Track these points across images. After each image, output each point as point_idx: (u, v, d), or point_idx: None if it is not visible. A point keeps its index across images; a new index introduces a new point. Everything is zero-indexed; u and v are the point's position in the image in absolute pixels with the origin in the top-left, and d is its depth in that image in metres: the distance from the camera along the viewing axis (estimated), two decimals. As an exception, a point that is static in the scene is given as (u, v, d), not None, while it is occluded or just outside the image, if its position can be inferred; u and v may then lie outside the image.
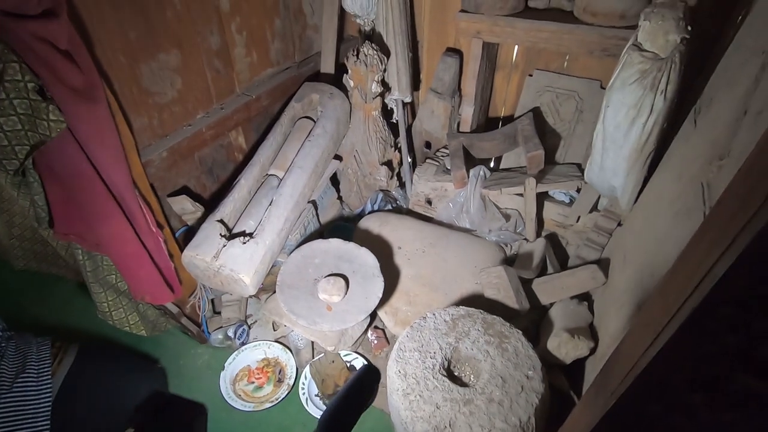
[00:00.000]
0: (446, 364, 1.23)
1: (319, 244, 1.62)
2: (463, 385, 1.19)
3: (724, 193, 0.47)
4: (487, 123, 2.10)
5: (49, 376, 1.12)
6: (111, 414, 1.14)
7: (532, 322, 1.53)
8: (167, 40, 1.34)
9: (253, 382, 1.52)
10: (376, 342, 1.60)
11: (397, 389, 1.17)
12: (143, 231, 1.19)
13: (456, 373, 1.25)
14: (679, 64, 1.08)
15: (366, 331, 1.65)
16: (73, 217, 1.09)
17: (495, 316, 1.32)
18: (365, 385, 0.62)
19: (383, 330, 1.66)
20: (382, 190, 2.11)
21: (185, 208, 1.50)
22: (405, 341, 1.27)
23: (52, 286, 1.85)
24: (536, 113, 1.87)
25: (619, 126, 1.23)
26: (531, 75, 1.90)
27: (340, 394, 0.60)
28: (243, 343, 1.62)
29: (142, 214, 1.18)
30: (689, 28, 1.04)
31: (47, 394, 1.09)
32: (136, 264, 1.19)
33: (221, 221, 1.44)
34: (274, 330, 1.67)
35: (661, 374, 0.52)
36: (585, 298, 1.53)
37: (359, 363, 1.55)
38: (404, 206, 2.13)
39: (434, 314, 1.34)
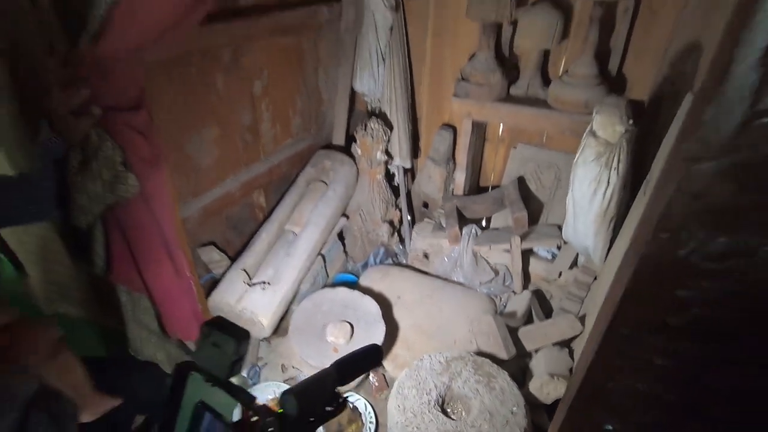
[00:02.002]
0: (440, 400, 1.38)
1: (327, 293, 1.81)
2: (456, 419, 1.33)
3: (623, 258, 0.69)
4: (478, 188, 2.37)
5: None
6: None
7: (519, 368, 1.68)
8: (210, 118, 1.63)
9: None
10: (377, 384, 1.74)
11: (397, 422, 1.31)
12: (181, 276, 1.38)
13: (449, 409, 1.39)
14: (627, 148, 1.34)
15: (368, 374, 1.78)
16: (127, 262, 1.29)
17: (484, 358, 1.49)
18: (371, 352, 0.79)
19: (384, 374, 1.80)
20: (384, 246, 2.33)
21: (212, 257, 1.71)
22: (404, 380, 1.43)
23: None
24: (521, 180, 2.14)
25: (584, 195, 1.47)
26: (515, 147, 2.19)
27: (352, 353, 0.77)
28: (254, 384, 1.75)
29: (181, 262, 1.38)
30: (631, 121, 1.32)
31: None
32: (173, 304, 1.37)
33: (244, 270, 1.64)
34: (283, 372, 1.81)
35: (598, 382, 0.71)
36: (567, 344, 1.69)
37: (361, 404, 1.68)
38: (404, 260, 2.33)
39: (430, 356, 1.50)
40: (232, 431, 0.70)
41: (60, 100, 0.96)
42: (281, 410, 0.68)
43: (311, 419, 0.70)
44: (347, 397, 0.76)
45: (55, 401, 0.71)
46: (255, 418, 0.72)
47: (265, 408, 0.71)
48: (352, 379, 0.78)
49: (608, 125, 1.32)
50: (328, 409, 0.73)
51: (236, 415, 0.69)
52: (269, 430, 0.67)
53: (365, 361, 0.80)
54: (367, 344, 0.81)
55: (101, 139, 1.06)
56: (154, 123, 1.21)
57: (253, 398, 0.75)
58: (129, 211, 1.21)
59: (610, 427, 0.75)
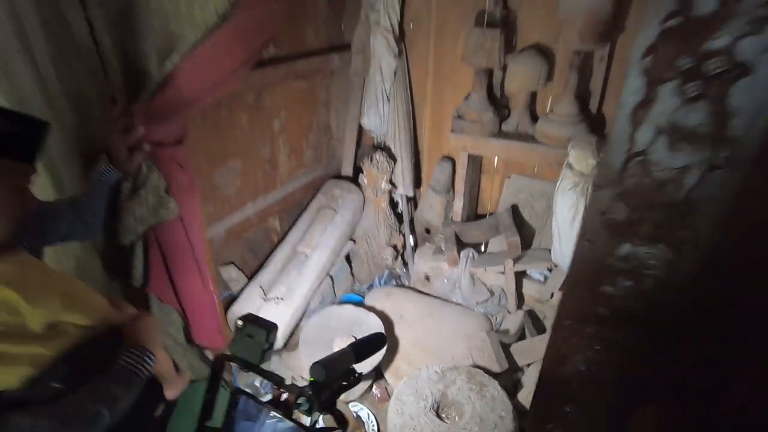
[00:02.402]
0: (436, 406, 1.52)
1: (335, 309, 1.97)
2: (449, 422, 1.46)
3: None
4: (476, 215, 2.54)
5: None
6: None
7: (512, 380, 1.80)
8: (235, 151, 1.85)
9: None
10: (379, 396, 1.87)
11: (396, 425, 1.44)
12: (207, 290, 1.56)
13: (443, 414, 1.52)
14: (600, 178, 1.52)
15: (371, 386, 1.92)
16: (162, 276, 1.48)
17: (478, 369, 1.62)
18: (377, 338, 0.94)
19: (386, 387, 1.93)
20: (388, 268, 2.49)
21: (231, 276, 1.89)
22: (403, 387, 1.57)
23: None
24: (515, 208, 2.31)
25: (565, 220, 1.64)
26: (509, 178, 2.38)
27: (363, 338, 0.92)
28: (266, 393, 1.90)
29: (207, 277, 1.56)
30: (601, 155, 1.50)
31: None
32: (201, 315, 1.54)
33: (260, 287, 1.81)
34: (293, 384, 1.95)
35: (553, 369, 0.86)
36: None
37: (364, 413, 1.80)
38: (407, 282, 2.49)
39: (427, 367, 1.64)
40: (265, 407, 0.86)
41: (118, 140, 1.18)
42: (312, 378, 0.84)
43: (335, 388, 0.86)
44: (361, 373, 0.92)
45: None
46: (285, 396, 0.89)
47: (293, 386, 0.88)
48: (363, 359, 0.93)
49: (582, 159, 1.50)
50: (344, 383, 0.89)
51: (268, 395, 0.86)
52: (304, 394, 0.83)
53: (373, 344, 0.96)
54: (372, 338, 0.98)
55: (149, 170, 1.27)
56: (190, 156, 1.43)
57: (283, 379, 0.92)
58: (166, 231, 1.41)
59: (568, 409, 0.89)
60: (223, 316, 1.78)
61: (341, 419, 0.89)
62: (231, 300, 1.91)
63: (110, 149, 1.19)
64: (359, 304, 2.19)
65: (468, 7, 2.07)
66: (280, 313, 1.75)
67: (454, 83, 2.29)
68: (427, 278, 2.38)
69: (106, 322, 0.87)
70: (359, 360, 0.90)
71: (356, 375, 0.89)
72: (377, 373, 1.92)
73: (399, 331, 2.04)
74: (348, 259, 2.50)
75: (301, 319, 1.93)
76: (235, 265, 1.96)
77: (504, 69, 2.09)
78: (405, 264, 2.55)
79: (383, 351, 1.82)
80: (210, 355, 1.80)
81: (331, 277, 2.25)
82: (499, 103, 2.19)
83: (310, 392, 0.84)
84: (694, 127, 0.56)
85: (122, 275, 1.55)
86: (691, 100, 0.55)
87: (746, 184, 0.56)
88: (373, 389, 1.92)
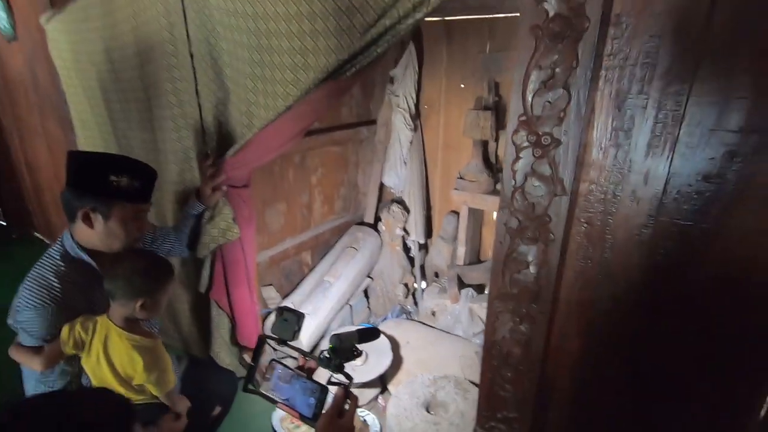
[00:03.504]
0: (427, 404, 1.85)
1: (347, 329, 2.37)
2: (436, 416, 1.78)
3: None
4: (478, 260, 2.94)
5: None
6: (206, 403, 1.76)
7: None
8: (281, 197, 2.40)
9: (293, 422, 2.12)
10: (383, 405, 2.19)
11: (392, 414, 1.78)
12: (252, 301, 2.01)
13: (432, 412, 1.85)
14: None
15: (377, 397, 2.24)
16: (221, 285, 1.95)
17: (465, 379, 1.95)
18: (374, 330, 1.29)
19: (389, 399, 2.25)
20: (400, 304, 2.88)
21: (270, 295, 2.35)
22: (401, 388, 1.91)
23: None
24: (510, 255, 2.70)
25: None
26: (506, 230, 2.79)
27: (363, 328, 1.29)
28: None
29: (254, 291, 2.02)
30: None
31: None
32: (246, 320, 1.98)
33: (291, 304, 2.26)
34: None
35: (489, 343, 1.25)
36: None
37: (371, 419, 2.13)
38: (415, 317, 2.86)
39: (422, 374, 1.99)
40: (294, 372, 1.24)
41: (207, 183, 1.72)
42: (331, 345, 1.21)
43: (344, 356, 1.20)
44: (361, 351, 1.27)
45: None
46: (309, 364, 1.27)
47: (315, 356, 1.26)
48: (365, 342, 1.31)
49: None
50: (351, 353, 1.26)
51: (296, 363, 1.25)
52: (325, 355, 1.19)
53: (370, 334, 1.36)
54: (371, 328, 1.39)
55: (223, 203, 1.80)
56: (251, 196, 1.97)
57: (308, 352, 1.32)
58: (229, 251, 1.91)
59: (501, 368, 1.25)
60: (261, 324, 2.23)
61: (348, 377, 1.19)
62: (267, 314, 2.35)
63: (200, 188, 1.74)
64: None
65: (469, 94, 2.65)
66: (306, 325, 2.17)
67: (458, 151, 2.81)
68: (433, 314, 2.75)
69: (165, 398, 1.31)
70: (361, 341, 1.27)
71: (358, 351, 1.27)
72: (382, 386, 2.25)
73: (404, 353, 2.39)
74: (366, 294, 2.92)
75: (323, 335, 2.33)
76: (274, 287, 2.42)
77: (497, 140, 2.60)
78: (415, 301, 2.94)
79: (382, 339, 2.16)
80: (247, 357, 2.22)
81: (351, 307, 2.66)
82: (494, 168, 2.68)
83: (331, 354, 1.21)
84: (542, 173, 1.01)
85: (194, 284, 2.05)
86: (538, 158, 1.01)
87: (572, 203, 1.00)
88: (378, 400, 2.24)
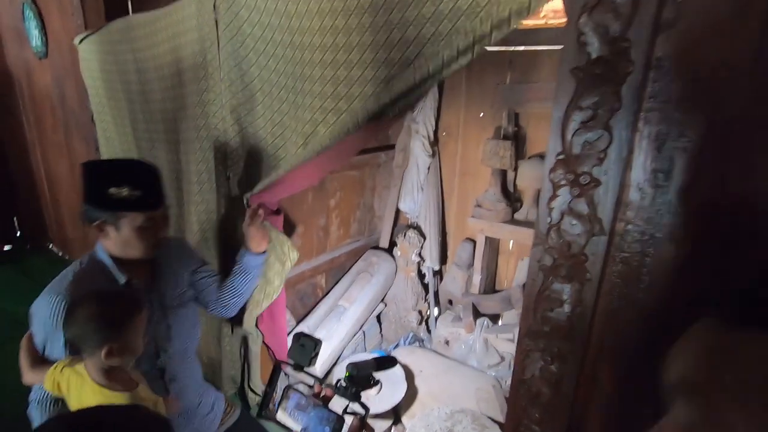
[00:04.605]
0: (443, 440, 1.79)
1: (363, 356, 2.33)
2: (453, 454, 1.73)
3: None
4: (493, 290, 2.90)
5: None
6: None
7: (515, 434, 2.03)
8: (300, 219, 2.40)
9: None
10: (396, 437, 2.13)
11: (408, 449, 1.73)
12: (282, 319, 1.99)
13: (449, 448, 1.79)
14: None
15: (390, 428, 2.19)
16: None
17: (482, 414, 1.90)
18: (390, 358, 1.26)
19: (403, 431, 2.19)
20: (413, 331, 2.84)
21: (287, 318, 2.33)
22: (417, 421, 1.86)
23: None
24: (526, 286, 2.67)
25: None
26: (523, 260, 2.77)
27: (380, 357, 1.25)
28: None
29: (283, 311, 2.00)
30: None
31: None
32: (278, 338, 1.96)
33: (306, 328, 2.23)
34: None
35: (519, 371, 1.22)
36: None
37: (382, 451, 2.07)
38: (428, 345, 2.81)
39: (439, 408, 1.94)
40: (311, 399, 1.22)
41: (248, 221, 1.63)
42: (348, 373, 1.20)
43: (361, 384, 1.21)
44: (378, 380, 1.26)
45: None
46: (326, 392, 1.24)
47: (331, 384, 1.24)
48: (380, 370, 1.30)
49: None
50: (368, 382, 1.25)
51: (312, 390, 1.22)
52: (342, 383, 1.18)
53: (387, 362, 1.34)
54: (388, 357, 1.37)
55: (271, 229, 1.78)
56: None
57: (324, 378, 1.30)
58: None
59: (529, 408, 1.22)
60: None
61: (364, 407, 1.21)
62: (281, 339, 2.32)
63: (249, 238, 1.60)
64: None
65: (488, 123, 2.67)
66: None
67: (475, 179, 2.82)
68: (447, 342, 2.70)
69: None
70: (378, 369, 1.25)
71: (374, 380, 1.25)
72: (395, 417, 2.20)
73: (418, 382, 2.34)
74: (378, 320, 2.88)
75: (337, 361, 2.29)
76: (288, 310, 2.40)
77: (515, 170, 2.61)
78: (428, 329, 2.89)
79: (396, 368, 2.12)
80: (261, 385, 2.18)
81: (364, 333, 2.63)
82: (512, 197, 2.67)
83: (347, 382, 1.20)
84: (580, 212, 1.01)
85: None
86: (576, 197, 1.00)
87: (609, 243, 0.99)
88: (392, 431, 2.18)
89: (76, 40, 2.34)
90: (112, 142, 2.38)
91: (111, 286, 1.28)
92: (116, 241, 1.29)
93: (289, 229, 2.31)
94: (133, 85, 2.04)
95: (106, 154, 2.47)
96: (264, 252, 1.67)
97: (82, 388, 1.13)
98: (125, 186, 1.23)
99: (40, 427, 0.65)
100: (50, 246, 3.87)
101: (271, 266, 1.76)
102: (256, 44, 1.48)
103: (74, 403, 1.14)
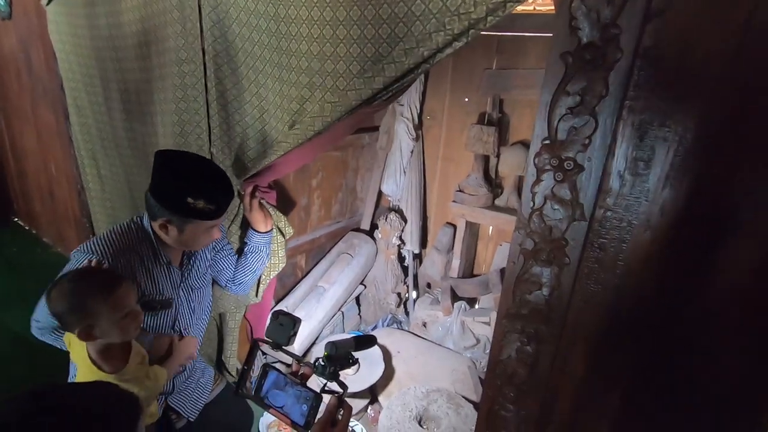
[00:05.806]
0: (419, 417, 1.83)
1: (342, 337, 2.34)
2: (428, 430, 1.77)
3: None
4: (471, 274, 2.95)
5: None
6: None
7: (488, 413, 2.09)
8: (282, 199, 2.36)
9: (281, 429, 2.08)
10: (372, 415, 2.16)
11: (384, 426, 1.76)
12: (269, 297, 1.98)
13: (424, 426, 1.83)
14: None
15: (367, 407, 2.22)
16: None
17: (457, 393, 1.94)
18: (371, 337, 1.27)
19: (380, 411, 2.23)
20: (391, 313, 2.87)
21: (263, 298, 2.31)
22: (394, 400, 1.90)
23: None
24: (504, 270, 2.72)
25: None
26: (501, 245, 2.81)
27: (360, 335, 1.26)
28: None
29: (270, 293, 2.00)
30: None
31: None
32: (261, 317, 1.95)
33: (286, 307, 2.22)
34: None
35: (495, 357, 1.25)
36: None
37: (360, 429, 2.10)
38: (406, 327, 2.84)
39: (415, 387, 1.97)
40: (289, 378, 1.22)
41: (248, 207, 1.66)
42: (326, 352, 1.20)
43: (339, 363, 1.21)
44: (357, 359, 1.27)
45: None
46: (304, 370, 1.24)
47: (309, 362, 1.25)
48: (361, 349, 1.31)
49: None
50: (346, 361, 1.25)
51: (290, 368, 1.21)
52: (320, 362, 1.18)
53: (367, 341, 1.35)
54: (368, 336, 1.37)
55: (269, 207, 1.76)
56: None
57: (302, 357, 1.30)
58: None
59: (505, 389, 1.25)
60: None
61: (342, 385, 1.20)
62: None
63: (253, 220, 1.69)
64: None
65: (472, 108, 2.67)
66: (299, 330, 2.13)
67: (458, 164, 2.83)
68: (425, 325, 2.74)
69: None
70: (357, 349, 1.26)
71: (353, 359, 1.26)
72: (372, 397, 2.23)
73: (395, 363, 2.37)
74: (357, 301, 2.89)
75: (315, 341, 2.30)
76: (266, 291, 2.38)
77: (498, 156, 2.62)
78: (406, 311, 2.92)
79: (374, 349, 2.15)
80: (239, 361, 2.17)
81: (342, 314, 2.63)
82: (493, 182, 2.70)
83: (326, 361, 1.20)
84: (562, 197, 1.02)
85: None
86: (559, 182, 1.01)
87: (590, 228, 1.00)
88: (368, 410, 2.22)
89: (44, 1, 2.20)
90: (84, 111, 2.27)
91: (155, 260, 1.36)
92: (174, 239, 1.34)
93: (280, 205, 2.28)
94: (106, 51, 1.94)
95: (76, 124, 2.36)
96: (271, 230, 1.74)
97: (79, 353, 1.16)
98: (202, 199, 1.26)
99: (6, 401, 0.63)
100: (15, 219, 3.71)
101: (274, 239, 1.79)
102: (239, 15, 1.42)
103: (73, 357, 1.20)
